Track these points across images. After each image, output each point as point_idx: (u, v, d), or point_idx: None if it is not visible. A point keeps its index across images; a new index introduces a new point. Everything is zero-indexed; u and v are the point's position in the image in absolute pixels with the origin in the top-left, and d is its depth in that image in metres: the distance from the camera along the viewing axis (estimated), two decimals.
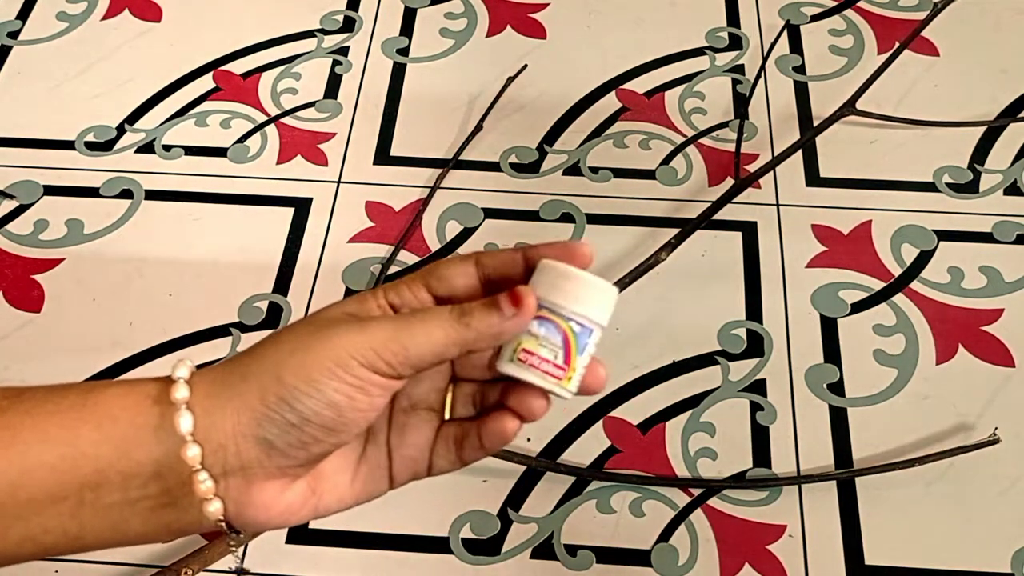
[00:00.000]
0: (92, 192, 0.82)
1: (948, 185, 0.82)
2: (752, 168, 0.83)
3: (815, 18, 0.94)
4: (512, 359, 0.36)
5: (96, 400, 0.36)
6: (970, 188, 0.82)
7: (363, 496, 0.39)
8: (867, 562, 0.65)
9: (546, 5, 0.95)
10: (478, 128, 0.85)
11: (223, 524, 0.36)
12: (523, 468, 0.68)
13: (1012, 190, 0.82)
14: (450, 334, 0.35)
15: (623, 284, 0.72)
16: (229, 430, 0.35)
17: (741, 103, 0.87)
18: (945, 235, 0.79)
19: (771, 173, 0.83)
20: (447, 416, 0.40)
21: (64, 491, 0.35)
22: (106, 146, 0.85)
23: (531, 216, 0.81)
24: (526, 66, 0.89)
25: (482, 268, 0.38)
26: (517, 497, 0.67)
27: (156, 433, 0.35)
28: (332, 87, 0.89)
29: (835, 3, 0.95)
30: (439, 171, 0.83)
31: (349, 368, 0.35)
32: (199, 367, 0.37)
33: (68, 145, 0.85)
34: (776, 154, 0.81)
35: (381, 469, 0.39)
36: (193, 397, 0.36)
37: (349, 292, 0.76)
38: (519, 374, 0.36)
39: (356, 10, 0.95)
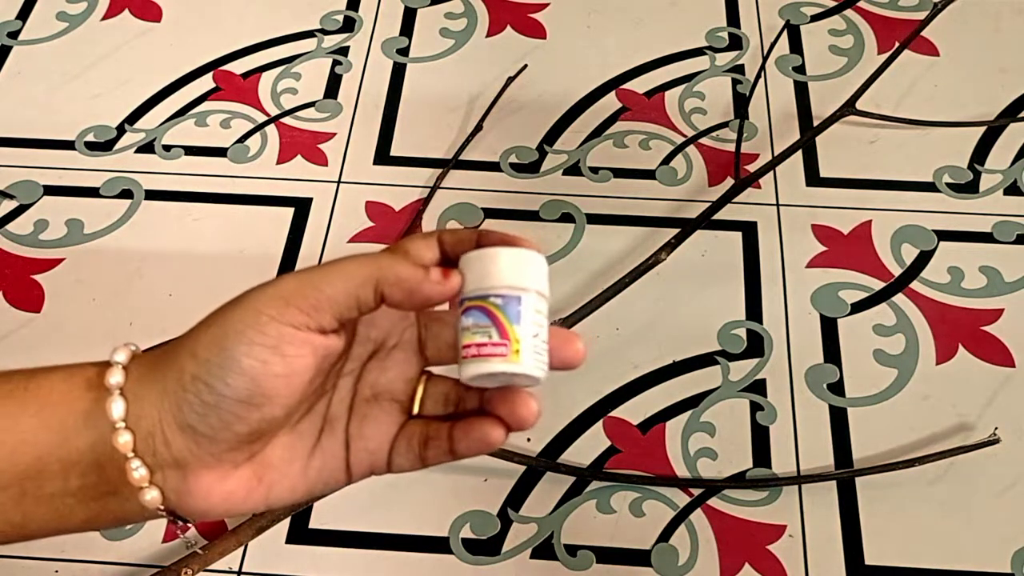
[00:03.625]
0: (92, 192, 0.82)
1: (948, 185, 0.82)
2: (752, 168, 0.83)
3: (815, 18, 0.94)
4: (460, 365, 0.35)
5: (38, 385, 0.35)
6: (970, 188, 0.82)
7: (318, 487, 0.37)
8: (867, 562, 0.65)
9: (546, 5, 0.95)
10: (478, 128, 0.85)
11: (163, 513, 0.35)
12: (523, 468, 0.68)
13: (1012, 190, 0.82)
14: (363, 270, 0.33)
15: (623, 284, 0.72)
16: (155, 417, 0.34)
17: (741, 103, 0.87)
18: (945, 235, 0.79)
19: (771, 173, 0.83)
20: (415, 411, 0.38)
21: (5, 480, 0.34)
22: (106, 146, 0.85)
23: (531, 216, 0.81)
24: (526, 66, 0.89)
25: (442, 245, 0.37)
26: (517, 497, 0.67)
27: (88, 419, 0.34)
28: (332, 87, 0.89)
29: (835, 3, 0.95)
30: (439, 171, 0.83)
31: (259, 325, 0.33)
32: (147, 351, 0.36)
33: (68, 145, 0.85)
34: (776, 154, 0.81)
35: (337, 460, 0.37)
36: (127, 382, 0.35)
37: None
38: (469, 370, 0.35)
39: (356, 10, 0.95)
